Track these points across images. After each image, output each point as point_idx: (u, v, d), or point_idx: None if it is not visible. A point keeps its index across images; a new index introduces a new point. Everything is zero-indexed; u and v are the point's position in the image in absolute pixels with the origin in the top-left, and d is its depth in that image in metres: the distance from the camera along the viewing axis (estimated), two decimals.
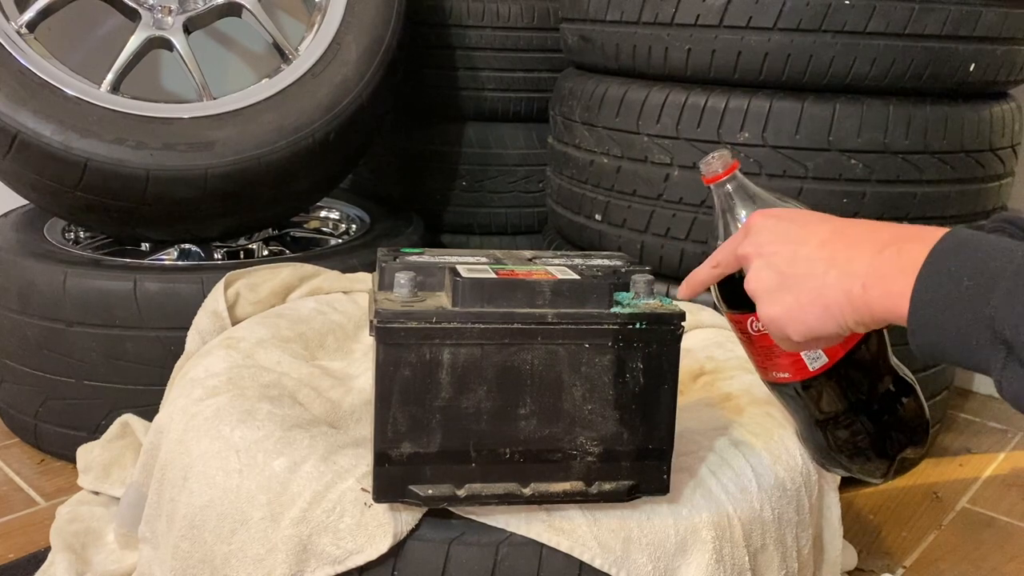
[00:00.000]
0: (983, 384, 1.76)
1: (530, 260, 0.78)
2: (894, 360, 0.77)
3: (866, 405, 0.76)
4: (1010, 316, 0.51)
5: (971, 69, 1.17)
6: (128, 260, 1.33)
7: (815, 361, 0.73)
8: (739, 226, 0.73)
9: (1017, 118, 1.29)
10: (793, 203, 0.75)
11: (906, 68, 1.14)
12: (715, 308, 1.17)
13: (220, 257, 1.50)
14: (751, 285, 0.65)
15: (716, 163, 0.73)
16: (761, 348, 0.75)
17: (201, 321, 1.06)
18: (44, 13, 1.39)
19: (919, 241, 0.57)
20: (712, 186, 0.74)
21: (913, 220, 1.20)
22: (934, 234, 0.57)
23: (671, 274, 1.27)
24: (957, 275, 0.54)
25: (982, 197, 1.25)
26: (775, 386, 0.78)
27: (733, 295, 0.74)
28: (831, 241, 0.61)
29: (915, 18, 1.12)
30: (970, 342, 0.53)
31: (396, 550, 0.70)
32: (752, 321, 0.74)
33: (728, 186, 0.73)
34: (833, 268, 0.60)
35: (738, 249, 0.67)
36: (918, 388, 0.78)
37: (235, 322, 1.07)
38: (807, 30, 1.12)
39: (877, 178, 1.16)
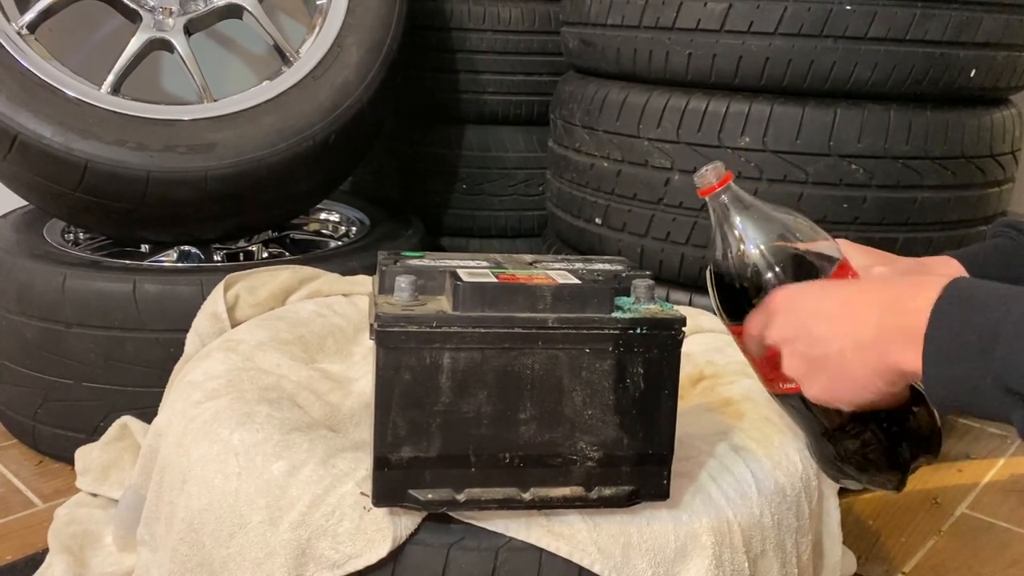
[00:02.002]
0: None
1: (531, 264, 0.78)
2: None
3: (875, 415, 0.75)
4: (1016, 368, 0.52)
5: (972, 75, 1.17)
6: (127, 262, 1.33)
7: None
8: (735, 234, 0.72)
9: (1018, 124, 1.29)
10: (790, 211, 0.75)
11: (907, 73, 1.14)
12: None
13: (220, 259, 1.50)
14: (789, 372, 0.68)
15: (710, 175, 0.73)
16: (766, 360, 0.74)
17: (200, 323, 1.06)
18: (45, 14, 1.39)
19: (920, 297, 0.58)
20: (707, 198, 0.74)
21: (913, 226, 1.20)
22: (934, 286, 0.58)
23: (671, 278, 1.27)
24: (960, 332, 0.56)
25: (982, 203, 1.25)
26: (782, 398, 0.77)
27: (735, 307, 0.74)
28: (839, 316, 0.64)
29: (916, 24, 1.12)
30: (984, 396, 0.55)
31: (395, 554, 0.69)
32: None
33: (723, 197, 0.73)
34: (846, 343, 0.62)
35: (764, 340, 0.69)
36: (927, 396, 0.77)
37: (234, 324, 1.06)
38: (808, 35, 1.12)
39: (877, 183, 1.16)
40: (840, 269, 0.72)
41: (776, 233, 0.72)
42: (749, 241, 0.72)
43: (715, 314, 0.77)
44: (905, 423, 0.76)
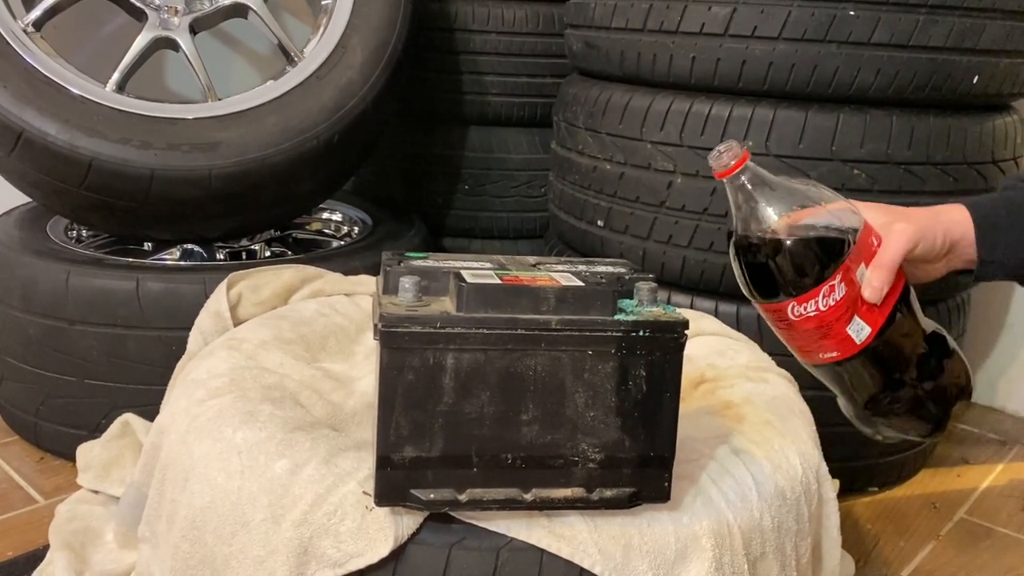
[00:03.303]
0: (982, 395, 1.77)
1: (534, 266, 0.78)
2: (925, 319, 0.78)
3: (918, 364, 0.77)
4: None
5: (974, 81, 1.17)
6: (131, 259, 1.34)
7: (860, 333, 0.73)
8: (762, 213, 0.71)
9: (1019, 130, 1.29)
10: (804, 180, 0.74)
11: (910, 79, 1.15)
12: (714, 310, 1.17)
13: (222, 258, 1.50)
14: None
15: (726, 156, 0.71)
16: (805, 332, 0.74)
17: (203, 321, 1.07)
18: (51, 12, 1.39)
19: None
20: (725, 180, 0.72)
21: None
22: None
23: (673, 281, 1.28)
24: (999, 199, 0.76)
25: None
26: (824, 368, 0.77)
27: (766, 285, 0.73)
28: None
29: (920, 29, 1.12)
30: None
31: (397, 554, 0.70)
32: (793, 307, 0.72)
33: (742, 178, 0.71)
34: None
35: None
36: (952, 340, 0.80)
37: (237, 323, 1.07)
38: (812, 40, 1.13)
39: (879, 188, 1.17)
40: (865, 231, 0.73)
41: (799, 204, 0.72)
42: (791, 218, 0.71)
43: (746, 295, 0.76)
44: (942, 367, 0.78)
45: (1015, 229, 0.78)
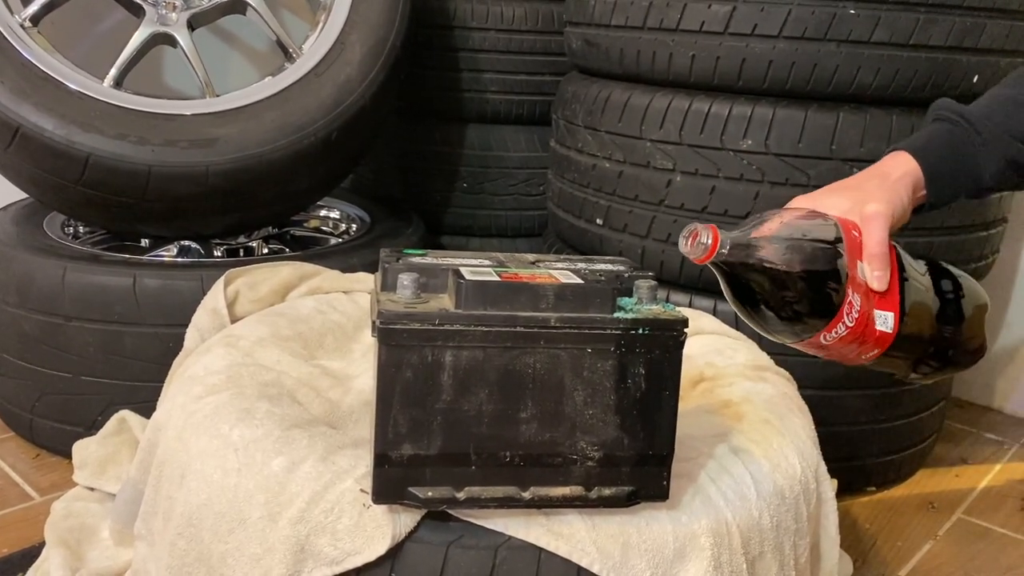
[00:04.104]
0: (980, 395, 1.77)
1: (533, 263, 0.78)
2: (915, 262, 0.80)
3: (942, 311, 0.79)
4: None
5: (975, 81, 1.17)
6: (128, 256, 1.33)
7: (887, 323, 0.74)
8: (765, 271, 0.70)
9: None
10: (767, 215, 0.74)
11: (910, 78, 1.14)
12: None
13: (220, 254, 1.49)
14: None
15: (701, 243, 0.68)
16: (842, 348, 0.75)
17: (200, 318, 1.06)
18: (48, 7, 1.39)
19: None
20: (709, 263, 0.70)
21: (914, 230, 1.20)
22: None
23: (672, 280, 1.27)
24: (939, 137, 0.81)
25: (982, 208, 1.25)
26: (870, 363, 0.79)
27: (794, 330, 0.74)
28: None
29: (920, 29, 1.12)
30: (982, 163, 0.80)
31: (394, 552, 0.69)
32: (824, 335, 0.73)
33: (725, 250, 0.69)
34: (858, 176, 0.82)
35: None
36: (945, 264, 0.82)
37: (234, 320, 1.06)
38: (812, 38, 1.12)
39: None
40: (844, 230, 0.73)
41: (784, 242, 0.71)
42: (783, 264, 0.70)
43: (774, 340, 0.76)
44: (962, 307, 0.80)
45: (959, 168, 0.82)
